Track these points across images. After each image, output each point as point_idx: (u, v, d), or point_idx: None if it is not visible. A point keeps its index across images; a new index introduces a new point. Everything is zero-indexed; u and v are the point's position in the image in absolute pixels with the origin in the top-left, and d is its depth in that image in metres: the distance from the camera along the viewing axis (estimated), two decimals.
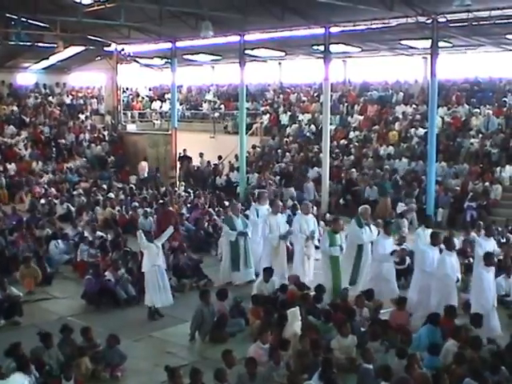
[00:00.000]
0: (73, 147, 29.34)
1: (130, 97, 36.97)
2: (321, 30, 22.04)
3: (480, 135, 23.15)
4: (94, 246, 15.30)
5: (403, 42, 24.41)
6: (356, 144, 25.68)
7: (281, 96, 32.25)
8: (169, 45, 27.54)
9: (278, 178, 24.58)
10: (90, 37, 28.12)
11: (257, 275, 13.25)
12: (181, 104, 34.57)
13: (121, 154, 29.97)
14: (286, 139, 28.00)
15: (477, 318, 9.53)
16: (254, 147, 27.91)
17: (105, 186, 23.96)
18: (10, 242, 15.76)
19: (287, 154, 26.64)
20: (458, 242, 13.00)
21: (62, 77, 34.16)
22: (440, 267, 10.74)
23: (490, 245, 11.34)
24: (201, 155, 27.75)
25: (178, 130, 28.31)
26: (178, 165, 28.01)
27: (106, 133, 31.38)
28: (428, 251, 11.16)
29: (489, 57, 26.66)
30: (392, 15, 19.37)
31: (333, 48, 22.76)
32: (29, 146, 27.98)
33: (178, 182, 26.63)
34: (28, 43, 26.03)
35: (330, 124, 24.53)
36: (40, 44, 26.93)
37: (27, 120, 29.97)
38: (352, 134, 26.65)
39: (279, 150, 27.22)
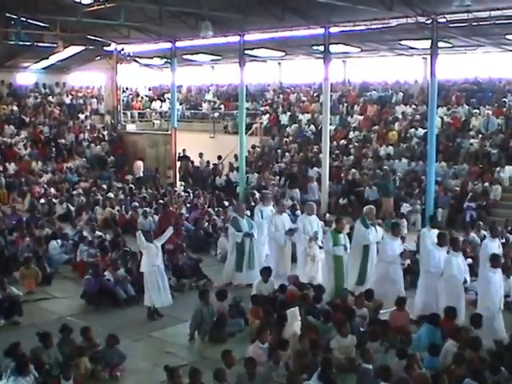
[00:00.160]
0: (72, 147, 29.34)
1: (130, 97, 36.97)
2: (320, 30, 22.04)
3: (480, 135, 23.15)
4: (94, 245, 15.30)
5: (403, 42, 24.41)
6: (356, 144, 25.67)
7: (280, 96, 32.25)
8: (168, 45, 27.54)
9: (283, 178, 24.48)
10: (89, 37, 28.13)
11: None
12: (180, 104, 34.56)
13: (120, 154, 29.97)
14: (285, 139, 27.99)
15: (476, 318, 9.52)
16: (253, 147, 27.91)
17: (104, 186, 23.96)
18: (9, 241, 15.75)
19: (287, 154, 26.65)
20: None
21: (62, 76, 34.16)
22: (446, 268, 10.66)
23: (496, 246, 11.25)
24: (200, 155, 27.74)
25: (178, 129, 28.31)
26: (178, 165, 28.01)
27: (105, 133, 31.39)
28: (434, 251, 11.06)
29: (488, 57, 26.65)
30: (392, 15, 19.37)
31: (332, 48, 22.75)
32: (28, 146, 27.99)
33: (176, 182, 26.57)
34: (28, 43, 26.05)
35: (330, 124, 24.53)
36: (40, 44, 26.94)
37: (27, 120, 29.99)
38: (352, 134, 26.65)
39: (279, 150, 27.22)
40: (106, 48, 30.33)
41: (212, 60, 32.83)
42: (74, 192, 23.21)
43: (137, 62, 33.01)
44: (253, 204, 20.33)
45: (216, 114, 32.59)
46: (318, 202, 20.57)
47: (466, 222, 18.48)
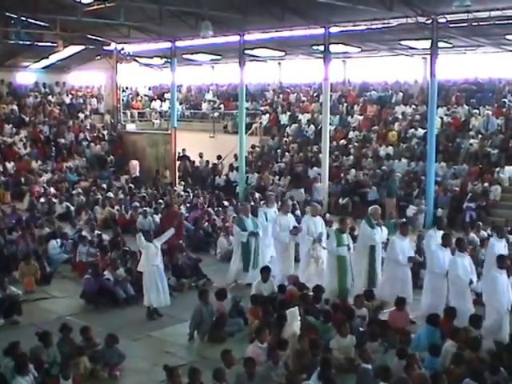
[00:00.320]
0: (72, 146, 29.31)
1: (130, 96, 36.95)
2: (320, 30, 22.05)
3: (479, 136, 23.16)
4: (94, 245, 15.31)
5: (403, 42, 24.43)
6: (355, 144, 25.68)
7: (280, 96, 32.25)
8: (168, 44, 27.53)
9: (286, 178, 24.51)
10: (89, 36, 28.11)
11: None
12: (180, 103, 34.57)
13: (120, 154, 29.94)
14: (285, 139, 28.00)
15: (475, 318, 9.53)
16: (253, 147, 27.91)
17: (104, 186, 23.96)
18: (8, 240, 15.75)
19: (286, 153, 26.65)
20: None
21: (62, 76, 34.13)
22: (451, 269, 10.59)
23: (503, 246, 11.21)
24: (200, 155, 27.73)
25: (178, 129, 28.29)
26: (178, 164, 28.01)
27: (105, 132, 31.36)
28: (438, 252, 10.99)
29: (488, 57, 26.67)
30: (392, 15, 19.38)
31: (332, 48, 22.77)
32: (28, 145, 27.95)
33: (175, 182, 26.52)
34: (28, 42, 26.03)
35: (330, 124, 24.53)
36: (40, 43, 26.90)
37: (27, 119, 29.96)
38: (351, 134, 26.65)
39: (279, 150, 27.23)
40: (105, 47, 30.32)
41: (212, 60, 32.85)
42: (74, 191, 23.20)
43: (137, 61, 33.01)
44: (252, 204, 20.40)
45: (216, 114, 32.61)
46: (322, 202, 20.46)
47: (466, 223, 18.47)
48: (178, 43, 27.33)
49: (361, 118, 27.54)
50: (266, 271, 11.99)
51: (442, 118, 24.56)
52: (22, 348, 8.55)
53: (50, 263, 14.74)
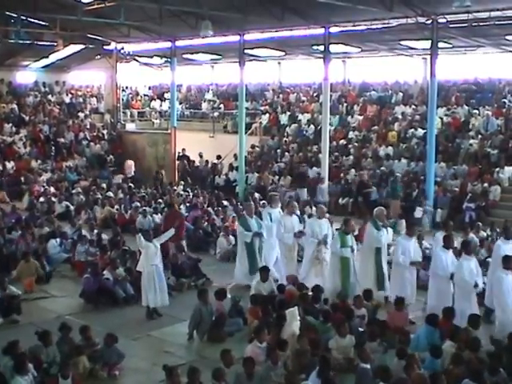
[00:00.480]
0: (72, 146, 29.32)
1: (130, 96, 36.95)
2: (320, 30, 22.06)
3: (479, 136, 23.15)
4: (94, 244, 15.31)
5: (403, 42, 24.45)
6: (355, 144, 25.67)
7: (280, 96, 32.24)
8: (168, 44, 27.54)
9: (288, 178, 24.50)
10: (89, 35, 28.12)
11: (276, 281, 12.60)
12: (180, 103, 34.56)
13: (120, 153, 29.95)
14: (285, 139, 27.99)
15: (474, 318, 9.52)
16: (253, 147, 27.91)
17: (104, 185, 23.96)
18: (8, 240, 15.75)
19: (286, 153, 26.65)
20: (456, 242, 12.85)
21: (62, 75, 34.15)
22: (457, 272, 10.47)
23: (509, 248, 11.08)
24: (200, 155, 27.73)
25: (178, 129, 28.31)
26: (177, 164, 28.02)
27: (105, 131, 31.36)
28: (440, 254, 10.86)
29: (488, 58, 26.69)
30: (392, 16, 19.39)
31: (332, 48, 22.78)
32: (28, 145, 27.96)
33: (174, 182, 26.48)
34: (28, 41, 26.07)
35: (330, 124, 24.53)
36: (40, 42, 26.93)
37: (26, 118, 29.95)
38: (351, 134, 26.64)
39: (278, 150, 27.23)
40: (105, 47, 30.33)
41: (212, 59, 32.87)
42: (74, 191, 23.22)
43: (137, 60, 33.03)
44: (252, 203, 20.38)
45: (216, 114, 32.58)
46: (326, 203, 20.35)
47: (465, 223, 18.46)
48: (178, 43, 27.33)
49: (360, 118, 27.53)
50: (264, 271, 11.99)
51: (441, 119, 24.55)
52: (21, 347, 8.56)
53: (50, 262, 14.75)
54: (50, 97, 32.66)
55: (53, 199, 21.71)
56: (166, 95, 35.73)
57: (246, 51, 24.86)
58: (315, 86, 30.87)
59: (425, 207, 19.82)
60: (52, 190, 23.38)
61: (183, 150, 27.91)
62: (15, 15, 23.59)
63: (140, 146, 29.91)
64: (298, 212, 15.99)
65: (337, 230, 13.58)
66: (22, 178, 25.13)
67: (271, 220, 13.87)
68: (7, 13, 23.54)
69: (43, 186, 23.93)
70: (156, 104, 36.59)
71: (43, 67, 32.82)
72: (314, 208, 19.71)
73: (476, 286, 10.48)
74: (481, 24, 19.34)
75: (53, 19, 24.47)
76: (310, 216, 17.49)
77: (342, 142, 26.21)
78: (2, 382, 8.02)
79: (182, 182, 24.91)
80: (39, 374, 8.40)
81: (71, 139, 29.72)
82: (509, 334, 9.07)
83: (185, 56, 30.28)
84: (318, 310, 10.45)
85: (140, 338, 10.75)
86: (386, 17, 19.73)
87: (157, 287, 11.54)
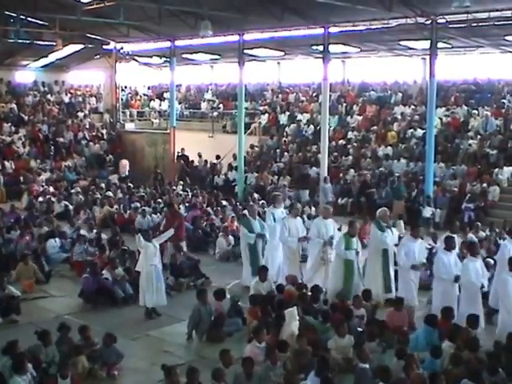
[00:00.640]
0: (71, 145, 29.31)
1: (129, 95, 36.97)
2: (320, 30, 22.05)
3: (478, 136, 23.16)
4: (93, 244, 15.31)
5: (402, 42, 24.45)
6: (354, 144, 25.68)
7: (279, 96, 32.24)
8: (168, 44, 27.53)
9: (288, 178, 24.48)
10: (89, 35, 28.14)
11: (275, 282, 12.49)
12: (179, 103, 34.57)
13: (119, 153, 29.92)
14: (284, 139, 28.01)
15: (473, 318, 9.53)
16: (252, 147, 27.92)
17: (103, 185, 23.95)
18: (7, 239, 15.74)
19: (285, 153, 26.66)
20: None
21: (61, 75, 34.15)
22: (463, 274, 10.36)
23: None
24: (199, 155, 27.73)
25: (177, 129, 28.30)
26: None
27: (104, 131, 31.36)
28: (443, 257, 10.72)
29: (487, 58, 26.70)
30: (391, 16, 19.39)
31: (332, 48, 22.79)
32: (27, 144, 27.94)
33: (171, 182, 26.44)
34: (27, 41, 26.07)
35: (329, 124, 24.52)
36: (39, 42, 26.92)
37: (25, 118, 29.95)
38: (350, 135, 26.65)
39: (278, 150, 27.24)
40: (105, 46, 30.31)
41: (211, 59, 32.86)
42: (73, 190, 23.20)
43: (136, 60, 33.03)
44: (251, 203, 20.38)
45: (215, 114, 32.59)
46: (331, 203, 20.20)
47: (464, 223, 18.48)
48: (178, 43, 27.32)
49: (360, 118, 27.54)
50: (263, 271, 11.98)
51: (441, 119, 24.56)
52: (20, 347, 8.55)
53: (49, 262, 14.75)
54: (49, 96, 32.67)
55: (52, 199, 21.70)
56: (165, 95, 35.70)
57: (245, 51, 24.86)
58: (314, 86, 30.88)
59: (432, 208, 19.81)
60: (51, 189, 23.38)
61: (182, 149, 27.90)
62: (15, 15, 23.61)
63: (139, 145, 29.92)
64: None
65: (338, 229, 13.55)
66: (21, 178, 25.14)
67: (274, 220, 13.75)
68: (7, 12, 23.55)
69: (42, 186, 23.93)
70: (155, 104, 36.59)
71: (42, 67, 32.82)
72: (313, 208, 19.78)
73: (482, 287, 10.41)
74: (480, 24, 19.35)
75: (52, 19, 24.48)
76: (309, 216, 17.52)
77: (341, 142, 26.22)
78: (0, 382, 8.02)
79: (181, 182, 24.89)
80: (38, 374, 8.39)
81: (70, 139, 29.72)
82: (508, 334, 9.07)
83: (184, 56, 30.28)
84: (317, 310, 10.45)
85: (139, 337, 10.75)
86: (385, 17, 19.73)
87: (154, 287, 11.54)
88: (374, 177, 22.74)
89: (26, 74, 33.19)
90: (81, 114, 32.20)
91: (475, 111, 24.54)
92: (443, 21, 19.35)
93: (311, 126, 27.87)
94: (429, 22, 19.36)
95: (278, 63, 34.02)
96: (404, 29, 20.92)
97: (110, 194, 22.00)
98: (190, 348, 10.38)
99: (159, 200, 20.94)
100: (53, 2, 22.90)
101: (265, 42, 26.17)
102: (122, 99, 33.95)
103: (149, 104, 36.89)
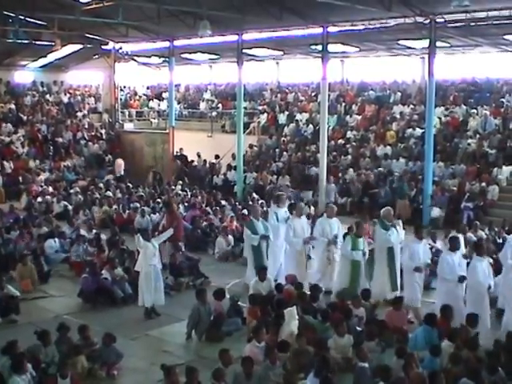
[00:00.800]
0: (70, 145, 29.29)
1: (128, 95, 36.95)
2: (319, 30, 22.04)
3: (477, 136, 23.17)
4: (93, 244, 15.31)
5: (401, 42, 24.46)
6: (353, 144, 25.69)
7: (278, 95, 32.25)
8: (167, 43, 27.50)
9: (287, 177, 24.45)
10: (87, 35, 28.11)
11: (275, 281, 12.41)
12: (178, 103, 34.56)
13: (118, 153, 29.89)
14: (283, 139, 28.01)
15: (472, 317, 9.53)
16: (251, 146, 27.91)
17: (102, 185, 23.93)
18: (6, 239, 15.74)
19: (284, 153, 26.66)
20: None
21: (60, 75, 34.12)
22: (471, 275, 10.30)
23: None
24: (198, 155, 27.72)
25: (176, 128, 28.27)
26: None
27: (103, 131, 31.34)
28: (447, 258, 10.65)
29: (486, 57, 26.73)
30: (390, 15, 19.38)
31: (331, 48, 22.77)
32: (26, 144, 27.91)
33: (170, 182, 26.44)
34: (26, 41, 26.01)
35: (328, 124, 24.52)
36: (38, 42, 26.87)
37: (24, 118, 29.93)
38: (349, 134, 26.66)
39: (277, 150, 27.24)
40: (104, 46, 30.28)
41: (210, 59, 32.85)
42: (72, 191, 23.17)
43: (135, 60, 33.01)
44: (250, 203, 20.39)
45: (214, 113, 32.58)
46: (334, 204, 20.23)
47: (464, 222, 18.47)
48: (176, 42, 27.30)
49: (359, 117, 27.53)
50: (263, 270, 11.99)
51: (439, 118, 24.56)
52: (19, 347, 8.55)
53: (48, 262, 14.74)
54: (48, 96, 32.64)
55: (51, 199, 21.69)
56: (164, 95, 35.72)
57: (244, 51, 24.83)
58: (313, 86, 30.88)
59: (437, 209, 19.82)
60: (50, 189, 23.37)
61: (180, 149, 27.89)
62: (13, 15, 23.58)
63: (138, 145, 29.89)
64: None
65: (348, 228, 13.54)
66: (20, 178, 25.11)
67: (277, 220, 13.69)
68: (5, 12, 23.52)
69: (41, 186, 23.91)
70: (154, 104, 36.58)
71: (41, 67, 32.79)
72: (312, 208, 19.78)
73: (489, 288, 10.36)
74: (479, 24, 19.36)
75: (51, 19, 24.46)
76: (308, 216, 17.50)
77: (340, 141, 26.23)
78: (0, 382, 8.03)
79: (180, 182, 24.89)
80: (38, 374, 8.39)
81: (69, 139, 29.70)
82: (507, 333, 9.08)
83: (183, 56, 30.27)
84: (316, 310, 10.45)
85: (138, 337, 10.75)
86: (384, 16, 19.72)
87: (153, 287, 11.55)
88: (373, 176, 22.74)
89: (25, 74, 33.16)
90: (80, 114, 32.19)
91: (474, 110, 24.56)
92: (442, 20, 19.34)
93: (310, 126, 27.86)
94: (428, 21, 19.35)
95: (277, 63, 34.03)
96: (403, 28, 20.92)
97: (109, 193, 22.00)
98: (190, 348, 10.39)
99: (158, 200, 20.92)
100: (51, 2, 22.88)
101: (263, 42, 26.17)
102: (120, 99, 33.92)
103: (148, 104, 36.87)
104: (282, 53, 29.68)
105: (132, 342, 10.43)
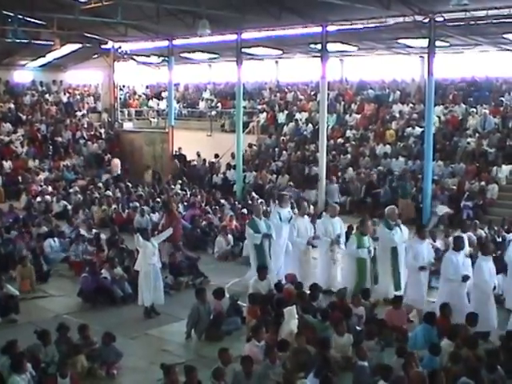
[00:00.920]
0: (69, 145, 29.26)
1: (127, 95, 36.90)
2: (318, 29, 22.02)
3: (477, 134, 23.16)
4: (92, 243, 15.30)
5: (400, 40, 24.44)
6: (353, 143, 25.68)
7: (278, 94, 32.24)
8: (166, 43, 27.48)
9: (287, 177, 24.42)
10: (86, 34, 28.10)
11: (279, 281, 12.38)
12: (178, 102, 34.54)
13: (117, 152, 29.88)
14: (282, 138, 28.00)
15: (472, 317, 9.53)
16: (250, 146, 27.90)
17: (101, 184, 23.92)
18: (6, 239, 15.73)
19: (284, 152, 26.65)
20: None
21: (59, 74, 34.11)
22: (477, 274, 10.27)
23: None
24: (198, 154, 27.72)
25: (175, 128, 28.26)
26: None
27: (102, 131, 31.31)
28: (451, 258, 10.58)
29: (486, 56, 26.73)
30: (389, 14, 19.37)
31: (330, 47, 22.75)
32: (25, 144, 27.88)
33: (169, 181, 26.42)
34: (25, 40, 26.00)
35: (327, 123, 24.51)
36: (37, 41, 26.86)
37: (24, 118, 29.91)
38: (349, 133, 26.65)
39: (276, 149, 27.23)
40: (103, 46, 30.25)
41: (209, 58, 32.81)
42: (71, 190, 23.17)
43: (134, 60, 32.99)
44: (250, 202, 20.41)
45: (213, 113, 32.58)
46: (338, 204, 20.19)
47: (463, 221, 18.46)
48: (176, 42, 27.28)
49: (358, 116, 27.52)
50: (262, 270, 11.99)
51: (439, 117, 24.56)
52: (19, 346, 8.55)
53: (48, 262, 14.74)
54: (47, 96, 32.62)
55: (50, 198, 21.68)
56: (163, 94, 35.72)
57: (243, 50, 24.82)
58: (313, 85, 30.88)
59: (439, 207, 19.76)
60: (50, 189, 23.35)
61: (179, 149, 27.88)
62: (12, 14, 23.55)
63: (137, 145, 29.86)
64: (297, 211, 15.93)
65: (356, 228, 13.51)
66: (20, 178, 25.08)
67: (280, 220, 13.64)
68: (4, 12, 23.51)
69: (41, 186, 23.89)
70: (153, 103, 36.56)
71: (40, 66, 32.77)
72: (311, 207, 19.76)
73: (495, 288, 10.34)
74: (478, 22, 19.35)
75: (50, 18, 24.46)
76: (308, 215, 17.50)
77: (340, 140, 26.22)
78: (0, 382, 8.03)
79: (180, 181, 24.88)
80: (37, 374, 8.39)
81: (69, 138, 29.66)
82: (506, 333, 9.09)
83: (182, 55, 30.25)
84: (315, 309, 10.46)
85: (138, 336, 10.76)
86: (383, 15, 19.71)
87: (153, 286, 11.55)
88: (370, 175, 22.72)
89: (24, 74, 33.15)
90: (79, 114, 32.16)
91: (473, 109, 24.55)
92: (441, 19, 19.32)
93: (309, 125, 27.85)
94: (427, 20, 19.33)
95: (276, 62, 34.02)
96: (402, 27, 20.91)
97: (109, 193, 21.99)
98: (189, 347, 10.39)
99: (158, 199, 20.91)
100: (51, 2, 22.85)
101: (263, 41, 26.14)
102: (120, 98, 33.87)
103: (147, 103, 36.85)
104: (281, 52, 29.65)
105: (132, 342, 10.44)
